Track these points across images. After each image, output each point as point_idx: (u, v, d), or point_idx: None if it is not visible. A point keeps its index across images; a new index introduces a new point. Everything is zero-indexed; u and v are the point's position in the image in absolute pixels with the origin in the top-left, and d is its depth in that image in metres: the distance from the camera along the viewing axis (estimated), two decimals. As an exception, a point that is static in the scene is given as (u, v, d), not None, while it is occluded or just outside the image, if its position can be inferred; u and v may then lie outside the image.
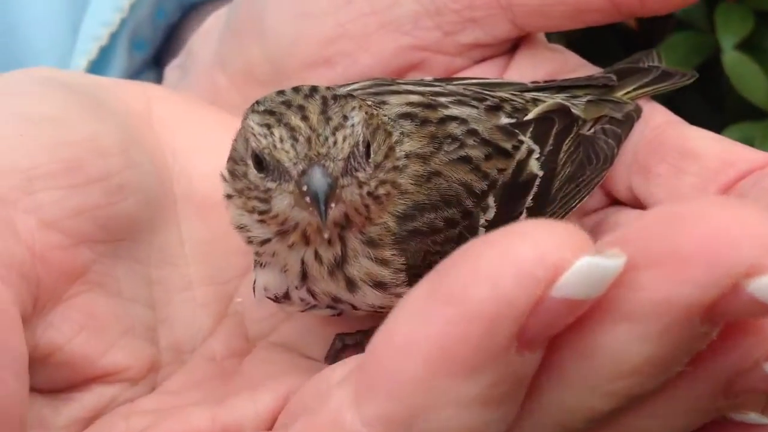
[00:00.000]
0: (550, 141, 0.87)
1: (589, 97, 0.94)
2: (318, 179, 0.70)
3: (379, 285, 0.79)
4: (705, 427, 0.62)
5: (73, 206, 0.78)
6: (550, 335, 0.54)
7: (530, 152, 0.85)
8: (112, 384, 0.81)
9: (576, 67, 0.99)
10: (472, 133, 0.83)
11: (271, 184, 0.74)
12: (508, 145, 0.84)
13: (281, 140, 0.72)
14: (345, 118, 0.73)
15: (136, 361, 0.82)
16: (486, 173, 0.82)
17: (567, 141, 0.89)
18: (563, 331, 0.55)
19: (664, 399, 0.59)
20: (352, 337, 0.87)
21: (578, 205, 0.88)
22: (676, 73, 0.99)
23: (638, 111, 0.94)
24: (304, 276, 0.79)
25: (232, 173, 0.78)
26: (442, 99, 0.86)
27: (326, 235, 0.73)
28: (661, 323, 0.53)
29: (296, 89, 0.76)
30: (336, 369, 0.68)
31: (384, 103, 0.83)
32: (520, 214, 0.84)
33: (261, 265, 0.82)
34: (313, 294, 0.80)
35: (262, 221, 0.77)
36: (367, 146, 0.74)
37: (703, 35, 1.33)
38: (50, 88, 0.85)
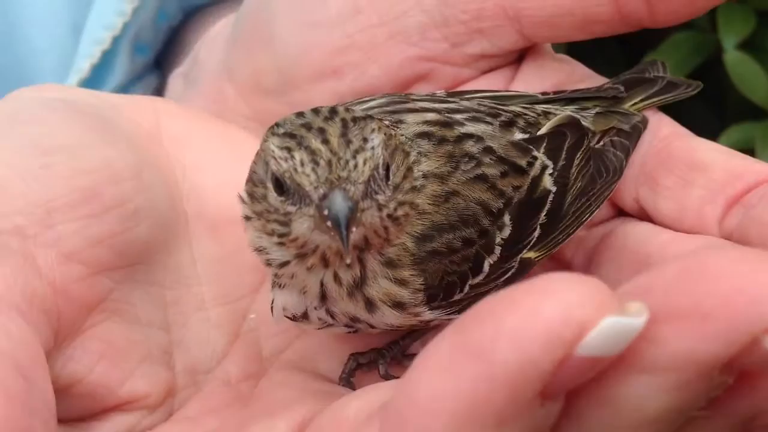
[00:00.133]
0: (563, 155, 0.88)
1: (597, 109, 0.94)
2: (339, 203, 0.70)
3: (398, 305, 0.79)
4: None
5: (91, 236, 0.78)
6: (572, 387, 0.55)
7: (544, 168, 0.86)
8: (131, 412, 0.81)
9: (583, 77, 0.99)
10: (488, 150, 0.83)
11: (291, 208, 0.74)
12: (522, 162, 0.85)
13: (302, 164, 0.72)
14: (365, 140, 0.73)
15: (154, 388, 0.82)
16: (502, 191, 0.82)
17: (578, 155, 0.89)
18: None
19: None
20: (365, 356, 0.87)
21: (589, 219, 0.89)
22: (682, 83, 1.00)
23: (645, 122, 0.94)
24: (323, 297, 0.79)
25: (251, 195, 0.78)
26: (458, 116, 0.86)
27: (348, 261, 0.73)
28: (680, 376, 0.54)
29: (316, 111, 0.75)
30: (352, 402, 0.68)
31: (401, 122, 0.83)
32: (534, 230, 0.84)
33: (279, 286, 0.81)
34: (331, 314, 0.81)
35: (281, 244, 0.76)
36: (387, 168, 0.74)
37: (704, 35, 1.33)
38: (64, 115, 0.84)
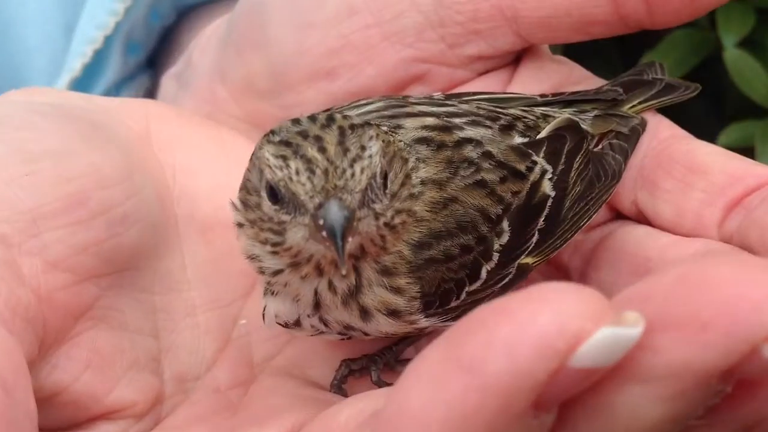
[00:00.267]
0: (562, 160, 0.86)
1: (596, 112, 0.93)
2: (335, 213, 0.69)
3: (393, 313, 0.78)
4: None
5: (77, 243, 0.77)
6: (566, 398, 0.54)
7: (543, 173, 0.85)
8: (117, 421, 0.79)
9: (580, 79, 0.98)
10: (488, 155, 0.82)
11: (285, 217, 0.72)
12: (522, 167, 0.83)
13: (297, 173, 0.70)
14: (363, 148, 0.71)
15: (141, 396, 0.80)
16: (501, 197, 0.81)
17: (578, 159, 0.88)
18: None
19: None
20: (357, 363, 0.86)
21: (587, 224, 0.88)
22: (680, 85, 0.99)
23: (643, 125, 0.93)
24: (317, 305, 0.78)
25: (245, 203, 0.77)
26: (457, 120, 0.84)
27: (344, 272, 0.71)
28: (677, 386, 0.53)
29: (312, 118, 0.74)
30: (342, 410, 0.67)
31: (400, 126, 0.82)
32: (532, 236, 0.83)
33: (272, 293, 0.80)
34: (325, 322, 0.79)
35: (275, 252, 0.75)
36: (385, 176, 0.73)
37: (703, 33, 1.32)
38: (52, 119, 0.82)
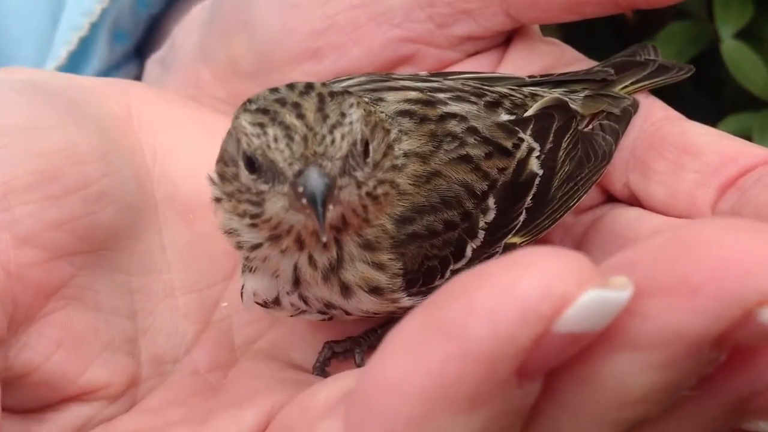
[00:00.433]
0: (550, 138, 0.85)
1: (587, 92, 0.91)
2: (315, 180, 0.67)
3: (375, 290, 0.76)
4: None
5: (50, 219, 0.75)
6: (551, 367, 0.52)
7: (530, 150, 0.83)
8: (90, 402, 0.77)
9: (572, 60, 0.97)
10: (473, 130, 0.80)
11: (263, 186, 0.70)
12: (508, 144, 0.81)
13: (275, 140, 0.68)
14: (343, 115, 0.69)
15: (115, 378, 0.78)
16: (486, 173, 0.79)
17: (566, 138, 0.86)
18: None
19: (671, 421, 0.56)
20: (341, 345, 0.83)
21: (576, 204, 0.86)
22: (674, 66, 0.97)
23: (635, 106, 0.91)
24: (297, 281, 0.76)
25: (222, 176, 0.75)
26: (441, 95, 0.82)
27: (324, 239, 0.69)
28: (668, 353, 0.50)
29: (291, 86, 0.72)
30: (322, 389, 0.65)
31: (381, 99, 0.80)
32: (519, 215, 0.81)
33: (250, 270, 0.78)
34: (305, 300, 0.77)
35: (253, 225, 0.73)
36: (366, 144, 0.71)
37: (701, 24, 1.31)
38: (27, 95, 0.81)
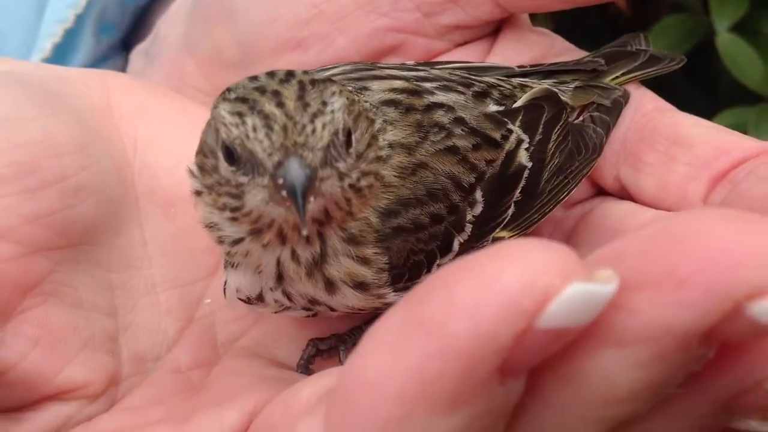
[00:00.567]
0: (540, 130, 0.83)
1: (577, 83, 0.90)
2: (295, 171, 0.64)
3: (360, 286, 0.74)
4: None
5: (27, 213, 0.73)
6: (535, 364, 0.50)
7: (519, 142, 0.81)
8: (69, 401, 0.75)
9: (562, 51, 0.95)
10: (460, 121, 0.78)
11: (243, 179, 0.68)
12: (497, 135, 0.80)
13: (254, 129, 0.66)
14: (324, 103, 0.67)
15: (95, 376, 0.77)
16: (474, 165, 0.77)
17: (556, 130, 0.84)
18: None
19: (658, 419, 0.54)
20: (325, 342, 0.82)
21: (566, 198, 0.84)
22: (665, 57, 0.96)
23: (626, 97, 0.90)
24: (280, 277, 0.74)
25: (201, 168, 0.73)
26: (427, 84, 0.81)
27: (304, 233, 0.67)
28: (655, 349, 0.49)
29: (270, 74, 0.70)
30: (305, 387, 0.64)
31: (365, 89, 0.78)
32: (508, 208, 0.80)
33: (233, 265, 0.76)
34: (288, 296, 0.75)
35: (234, 219, 0.71)
36: (348, 134, 0.69)
37: (696, 17, 1.31)
38: (4, 86, 0.79)
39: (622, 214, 0.84)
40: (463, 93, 0.81)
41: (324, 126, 0.66)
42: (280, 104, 0.67)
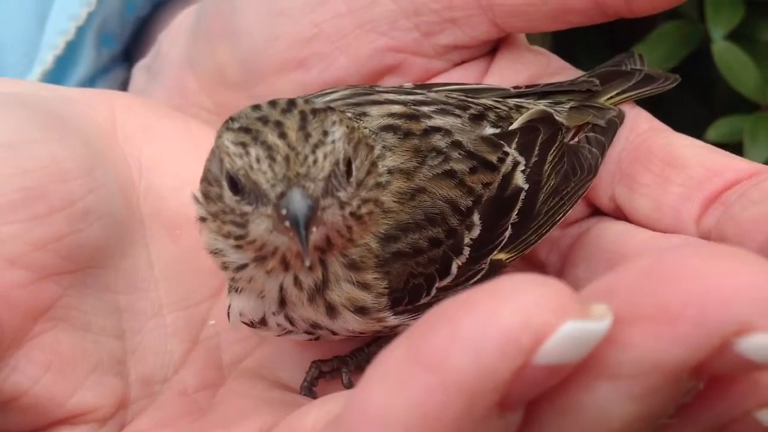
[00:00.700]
0: (536, 152, 0.84)
1: (572, 104, 0.91)
2: (298, 202, 0.66)
3: (361, 310, 0.76)
4: None
5: (36, 239, 0.74)
6: (532, 397, 0.52)
7: (516, 165, 0.82)
8: (80, 425, 0.77)
9: (558, 69, 0.96)
10: (457, 145, 0.80)
11: (247, 208, 0.70)
12: (493, 158, 0.81)
13: (257, 160, 0.68)
14: (325, 133, 0.69)
15: (105, 400, 0.78)
16: (471, 188, 0.79)
17: (552, 151, 0.86)
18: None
19: None
20: (328, 364, 0.83)
21: (562, 219, 0.86)
22: (660, 76, 0.97)
23: (621, 117, 0.91)
24: (282, 302, 0.75)
25: (206, 195, 0.74)
26: (425, 108, 0.82)
27: (307, 263, 0.68)
28: (648, 382, 0.50)
29: (273, 103, 0.71)
30: (310, 412, 0.65)
31: (365, 114, 0.80)
32: (505, 230, 0.81)
33: (236, 290, 0.77)
34: (291, 320, 0.77)
35: (238, 246, 0.72)
36: (348, 163, 0.70)
37: (692, 25, 1.31)
38: (10, 110, 0.80)
39: (617, 234, 0.85)
40: (459, 116, 0.83)
41: (325, 156, 0.68)
42: (283, 135, 0.68)
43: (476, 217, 0.79)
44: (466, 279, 0.79)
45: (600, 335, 0.49)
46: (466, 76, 0.94)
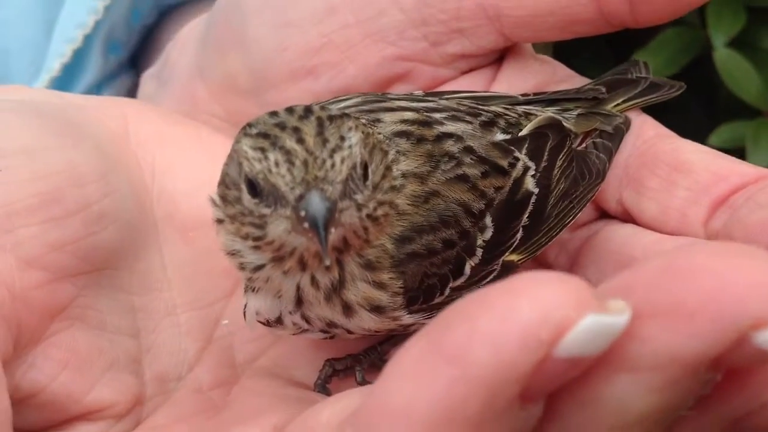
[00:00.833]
0: (545, 157, 0.86)
1: (579, 111, 0.93)
2: (317, 204, 0.68)
3: (376, 309, 0.77)
4: None
5: (53, 241, 0.75)
6: (552, 389, 0.53)
7: (526, 169, 0.84)
8: (96, 422, 0.78)
9: (564, 78, 0.98)
10: (469, 150, 0.81)
11: (266, 210, 0.71)
12: (504, 163, 0.83)
13: (276, 164, 0.69)
14: (342, 138, 0.70)
15: (121, 397, 0.79)
16: (483, 192, 0.80)
17: (561, 156, 0.87)
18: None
19: None
20: (341, 363, 0.84)
21: (572, 222, 0.87)
22: (665, 84, 0.98)
23: (627, 123, 0.93)
24: (299, 301, 0.77)
25: (224, 198, 0.75)
26: (437, 115, 0.84)
27: (327, 263, 0.70)
28: (666, 375, 0.52)
29: (290, 110, 0.73)
30: (325, 409, 0.66)
31: (378, 120, 0.81)
32: (516, 232, 0.82)
33: (253, 290, 0.79)
34: (307, 319, 0.78)
35: (256, 247, 0.74)
36: (365, 167, 0.72)
37: (694, 32, 1.31)
38: (25, 116, 0.81)
39: (625, 237, 0.86)
40: (470, 123, 0.84)
41: (343, 160, 0.69)
42: (301, 140, 0.70)
43: (488, 220, 0.80)
44: (479, 279, 0.81)
45: (619, 329, 0.51)
46: (473, 84, 0.96)
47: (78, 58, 1.20)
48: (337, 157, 0.69)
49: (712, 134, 1.26)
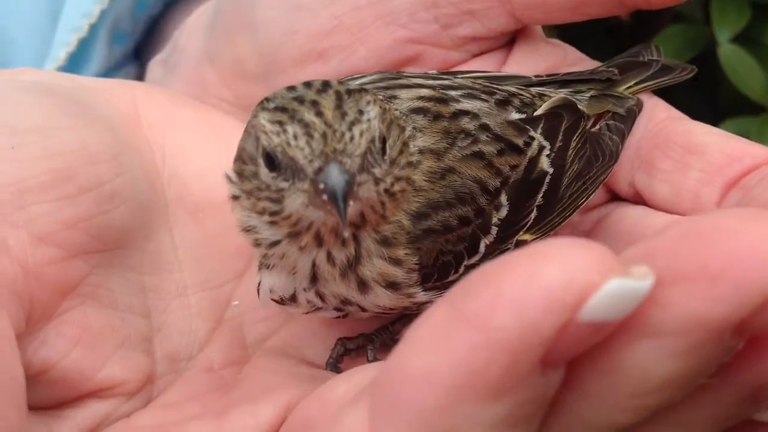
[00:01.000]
0: (560, 137, 0.86)
1: (592, 92, 0.93)
2: (335, 176, 0.67)
3: (392, 285, 0.76)
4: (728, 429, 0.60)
5: (65, 218, 0.75)
6: (574, 355, 0.52)
7: (541, 149, 0.84)
8: (108, 399, 0.77)
9: (575, 61, 0.98)
10: (485, 128, 0.81)
11: (283, 184, 0.71)
12: (519, 141, 0.82)
13: (295, 137, 0.69)
14: (360, 112, 0.70)
15: (132, 374, 0.79)
16: (499, 170, 0.80)
17: (575, 137, 0.87)
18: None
19: (690, 408, 0.57)
20: (353, 342, 0.84)
21: (585, 203, 0.87)
22: (676, 66, 0.98)
23: (640, 106, 0.93)
24: (314, 278, 0.76)
25: (240, 174, 0.75)
26: (453, 93, 0.83)
27: (345, 234, 0.70)
28: (689, 340, 0.51)
29: (308, 84, 0.72)
30: (340, 383, 0.66)
31: (395, 97, 0.81)
32: (531, 212, 0.82)
33: (267, 267, 0.78)
34: (321, 296, 0.78)
35: (273, 222, 0.73)
36: (383, 141, 0.71)
37: (698, 28, 1.32)
38: (37, 96, 0.81)
39: (636, 218, 0.86)
40: (486, 101, 0.84)
41: (362, 134, 0.69)
42: (319, 113, 0.69)
43: (504, 198, 0.80)
44: (493, 258, 0.79)
45: (643, 294, 0.50)
46: (484, 66, 0.95)
47: (83, 47, 1.20)
48: (356, 130, 0.69)
49: (716, 129, 1.26)
